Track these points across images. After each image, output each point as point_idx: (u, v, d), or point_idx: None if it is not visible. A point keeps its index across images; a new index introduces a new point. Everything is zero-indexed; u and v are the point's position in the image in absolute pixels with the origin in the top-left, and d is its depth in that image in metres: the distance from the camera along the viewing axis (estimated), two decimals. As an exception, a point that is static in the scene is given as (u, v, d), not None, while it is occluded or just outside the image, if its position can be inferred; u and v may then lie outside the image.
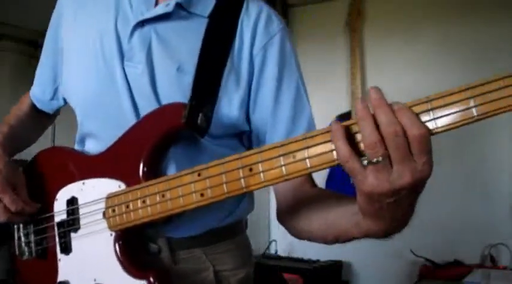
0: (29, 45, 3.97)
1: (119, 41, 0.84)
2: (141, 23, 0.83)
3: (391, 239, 0.81)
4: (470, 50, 2.15)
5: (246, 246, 0.94)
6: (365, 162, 0.56)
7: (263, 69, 0.84)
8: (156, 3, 0.85)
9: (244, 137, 0.88)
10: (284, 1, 2.65)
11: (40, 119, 1.09)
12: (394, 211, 0.60)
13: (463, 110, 0.54)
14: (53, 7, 0.99)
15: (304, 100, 0.86)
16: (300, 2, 2.65)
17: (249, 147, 0.87)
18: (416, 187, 0.56)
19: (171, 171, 0.79)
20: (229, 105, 0.82)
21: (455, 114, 0.54)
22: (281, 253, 2.61)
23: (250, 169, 0.65)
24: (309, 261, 2.32)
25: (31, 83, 1.09)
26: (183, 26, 0.85)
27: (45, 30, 1.05)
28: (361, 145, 0.58)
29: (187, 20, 0.85)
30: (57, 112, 1.06)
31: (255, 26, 0.85)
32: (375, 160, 0.55)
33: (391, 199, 0.57)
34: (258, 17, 0.86)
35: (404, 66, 2.27)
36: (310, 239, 0.78)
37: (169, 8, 0.82)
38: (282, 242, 2.62)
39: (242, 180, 0.66)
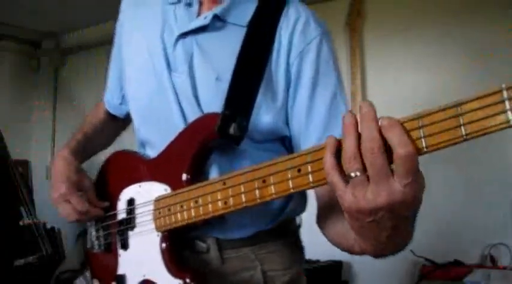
0: (29, 45, 3.97)
1: (165, 51, 0.89)
2: (184, 35, 0.88)
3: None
4: (470, 50, 2.15)
5: (296, 246, 0.96)
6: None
7: (299, 76, 0.85)
8: (199, 14, 0.90)
9: (286, 141, 0.90)
10: (284, 1, 2.65)
11: (114, 123, 1.16)
12: (376, 233, 0.58)
13: (453, 128, 0.52)
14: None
15: (339, 107, 0.86)
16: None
17: (291, 151, 0.89)
18: (396, 210, 0.54)
19: (214, 174, 0.84)
20: (267, 112, 0.84)
21: (445, 132, 0.52)
22: (281, 253, 2.60)
23: (264, 181, 0.68)
24: (309, 261, 2.31)
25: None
26: (221, 36, 0.88)
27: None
28: None
29: (225, 30, 0.88)
30: (128, 116, 1.09)
31: (292, 32, 0.86)
32: (352, 174, 0.54)
33: (370, 218, 0.55)
34: (296, 23, 0.86)
35: (405, 66, 2.27)
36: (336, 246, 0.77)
37: (207, 21, 0.87)
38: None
39: (257, 191, 0.69)
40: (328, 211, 0.79)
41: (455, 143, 0.52)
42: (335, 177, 0.56)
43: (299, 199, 0.92)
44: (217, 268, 0.87)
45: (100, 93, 3.85)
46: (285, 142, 0.91)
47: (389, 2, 2.39)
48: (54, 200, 0.95)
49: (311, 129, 0.85)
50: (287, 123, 0.87)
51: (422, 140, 0.53)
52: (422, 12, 2.28)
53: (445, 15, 2.23)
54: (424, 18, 2.27)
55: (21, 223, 2.57)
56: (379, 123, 0.53)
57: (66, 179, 0.94)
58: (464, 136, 0.51)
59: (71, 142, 1.04)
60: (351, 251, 0.70)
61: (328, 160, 0.57)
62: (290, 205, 0.90)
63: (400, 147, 0.51)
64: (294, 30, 0.86)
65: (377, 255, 0.65)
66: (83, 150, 1.04)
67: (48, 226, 2.80)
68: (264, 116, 0.84)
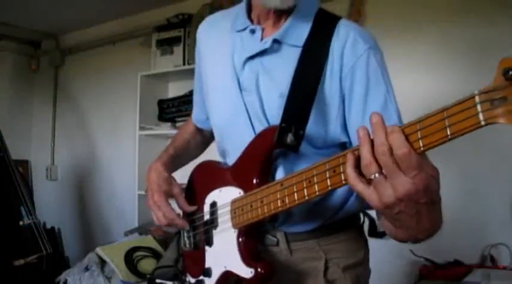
0: (29, 45, 3.97)
1: (236, 73, 1.03)
2: (250, 58, 1.01)
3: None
4: (470, 50, 2.15)
5: (358, 238, 1.08)
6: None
7: (352, 88, 0.95)
8: (262, 39, 1.02)
9: (347, 146, 1.00)
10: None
11: (201, 136, 1.32)
12: (405, 221, 0.70)
13: (441, 130, 0.61)
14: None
15: (390, 113, 0.94)
16: (300, 2, 2.65)
17: None
18: (414, 198, 0.65)
19: (279, 176, 0.96)
20: (324, 123, 0.96)
21: (435, 133, 0.62)
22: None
23: (309, 181, 0.80)
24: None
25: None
26: (281, 56, 1.00)
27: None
28: None
29: (284, 51, 1.00)
30: None
31: (343, 50, 0.96)
32: (372, 177, 0.66)
33: (396, 210, 0.67)
34: (346, 41, 0.96)
35: (405, 66, 2.27)
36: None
37: (267, 45, 0.99)
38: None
39: (305, 190, 0.81)
40: None
41: (443, 142, 0.62)
42: (359, 186, 0.68)
43: (358, 198, 0.99)
44: (286, 259, 1.01)
45: (100, 93, 3.83)
46: (346, 148, 0.98)
47: (389, 2, 2.39)
48: (149, 206, 1.09)
49: None
50: (345, 131, 0.98)
51: (420, 141, 0.63)
52: (422, 12, 2.28)
53: (445, 15, 2.23)
54: (424, 18, 2.27)
55: (21, 223, 2.57)
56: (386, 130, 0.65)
57: (157, 188, 1.08)
58: (449, 136, 0.61)
59: (163, 155, 1.17)
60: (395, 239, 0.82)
61: (350, 173, 0.69)
62: (349, 203, 1.00)
63: (397, 149, 0.63)
64: (345, 47, 0.96)
65: (414, 241, 0.78)
66: (173, 162, 1.17)
67: (48, 226, 2.80)
68: (319, 125, 0.95)
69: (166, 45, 2.96)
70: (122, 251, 2.26)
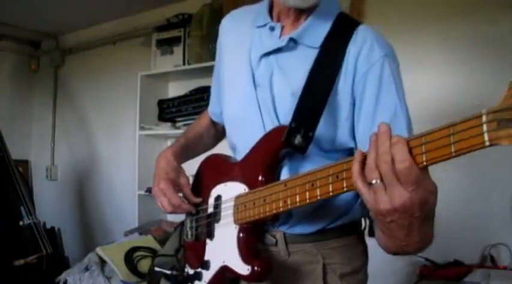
0: (29, 45, 3.97)
1: (251, 68, 1.03)
2: (266, 54, 1.01)
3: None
4: (470, 50, 2.15)
5: (357, 244, 1.08)
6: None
7: (363, 94, 0.94)
8: (280, 37, 1.01)
9: (354, 151, 0.96)
10: (284, 1, 2.64)
11: (215, 130, 1.32)
12: (396, 231, 0.70)
13: (446, 146, 0.60)
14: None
15: (400, 122, 0.92)
16: (300, 2, 2.64)
17: None
18: (409, 211, 0.66)
19: (285, 176, 0.96)
20: (332, 126, 0.95)
21: (440, 149, 0.61)
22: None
23: (312, 184, 0.80)
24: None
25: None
26: (296, 56, 0.99)
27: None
28: None
29: (300, 51, 0.99)
30: None
31: (358, 55, 0.95)
32: (373, 181, 0.67)
33: (389, 218, 0.68)
34: (362, 46, 0.95)
35: (405, 66, 2.27)
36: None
37: (283, 43, 0.99)
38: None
39: (307, 193, 0.81)
40: None
41: (446, 159, 0.61)
42: (359, 183, 0.69)
43: (362, 205, 0.99)
44: (283, 260, 1.01)
45: (100, 93, 3.84)
46: (353, 153, 0.98)
47: (389, 2, 2.39)
48: (154, 193, 1.09)
49: None
50: (353, 137, 0.97)
51: (423, 155, 0.62)
52: (422, 12, 2.28)
53: (445, 15, 2.22)
54: (425, 17, 2.27)
55: (21, 223, 2.57)
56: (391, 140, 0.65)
57: (165, 176, 1.09)
58: (453, 153, 0.60)
59: (174, 145, 1.18)
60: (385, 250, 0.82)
61: (355, 168, 0.70)
62: (353, 210, 1.01)
63: (398, 163, 0.63)
64: (360, 53, 0.95)
65: (401, 252, 0.77)
66: (184, 153, 1.18)
67: (48, 226, 2.80)
68: (329, 129, 0.95)
69: (166, 45, 2.96)
70: (121, 251, 2.26)
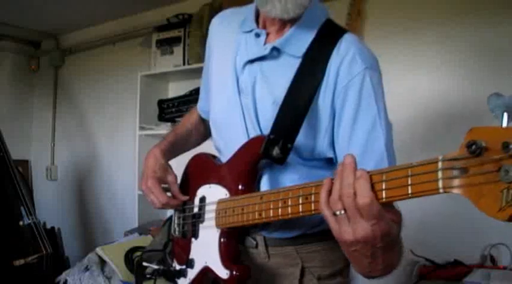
0: (29, 45, 3.97)
1: (236, 74, 1.03)
2: (250, 61, 1.01)
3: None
4: (470, 50, 2.15)
5: (339, 249, 1.06)
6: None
7: (342, 108, 0.93)
8: (265, 44, 1.01)
9: (334, 161, 0.99)
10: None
11: (204, 128, 1.32)
12: (359, 259, 0.72)
13: (403, 186, 0.61)
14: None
15: (378, 138, 0.91)
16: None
17: None
18: (371, 242, 0.68)
19: (265, 184, 0.98)
20: (313, 137, 0.95)
21: (398, 188, 0.62)
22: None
23: (284, 202, 0.81)
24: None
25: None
26: (279, 65, 0.99)
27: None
28: None
29: (282, 60, 0.99)
30: None
31: (340, 66, 0.94)
32: (337, 213, 0.69)
33: (352, 248, 0.70)
34: (344, 57, 0.94)
35: (405, 66, 2.27)
36: None
37: (266, 51, 0.99)
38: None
39: (280, 209, 0.82)
40: None
41: (404, 198, 0.62)
42: (325, 211, 0.70)
43: None
44: (263, 262, 1.02)
45: (100, 93, 3.84)
46: (333, 161, 0.99)
47: (389, 2, 2.38)
48: (143, 190, 1.13)
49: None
50: (333, 147, 0.97)
51: (383, 192, 0.64)
52: (422, 12, 2.28)
53: (445, 16, 2.22)
54: (424, 18, 2.26)
55: (21, 223, 2.57)
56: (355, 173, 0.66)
57: (152, 174, 1.11)
58: (410, 195, 0.61)
59: (162, 142, 1.19)
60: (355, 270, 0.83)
61: (322, 196, 0.71)
62: None
63: (360, 198, 0.65)
64: (342, 64, 0.93)
65: (366, 276, 0.79)
66: (172, 150, 1.19)
67: (48, 226, 2.80)
68: (308, 139, 0.95)
69: (166, 45, 2.96)
70: (122, 251, 2.26)
